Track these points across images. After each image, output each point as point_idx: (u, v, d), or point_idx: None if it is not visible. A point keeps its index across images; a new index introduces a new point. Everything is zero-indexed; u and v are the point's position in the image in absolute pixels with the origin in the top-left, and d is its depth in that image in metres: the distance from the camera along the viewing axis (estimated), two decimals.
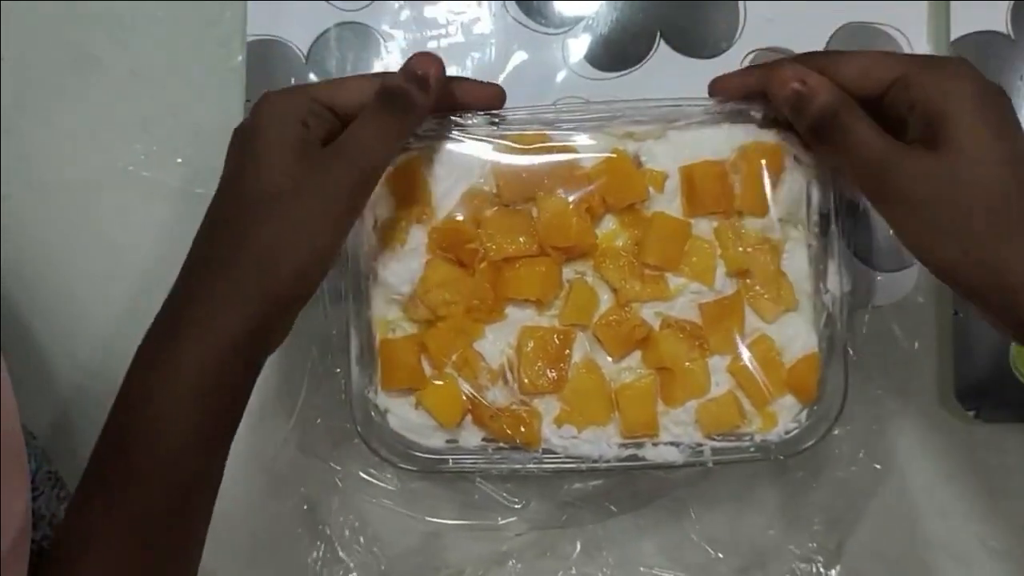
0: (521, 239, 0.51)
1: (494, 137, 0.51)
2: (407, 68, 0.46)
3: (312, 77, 0.59)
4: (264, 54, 0.60)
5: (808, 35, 0.58)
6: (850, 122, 0.44)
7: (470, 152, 0.51)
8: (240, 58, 0.60)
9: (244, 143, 0.46)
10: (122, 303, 0.61)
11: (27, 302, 0.61)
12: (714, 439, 0.52)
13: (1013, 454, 0.58)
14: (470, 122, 0.51)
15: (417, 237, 0.51)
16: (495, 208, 0.51)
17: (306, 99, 0.46)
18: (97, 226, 0.61)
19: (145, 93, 0.61)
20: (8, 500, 0.47)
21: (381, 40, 0.60)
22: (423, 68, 0.46)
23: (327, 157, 0.45)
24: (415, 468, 0.52)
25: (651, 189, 0.51)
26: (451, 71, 0.58)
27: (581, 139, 0.51)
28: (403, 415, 0.52)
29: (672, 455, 0.51)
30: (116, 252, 0.61)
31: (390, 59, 0.60)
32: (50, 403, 0.61)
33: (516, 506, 0.59)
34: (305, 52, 0.60)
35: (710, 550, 0.59)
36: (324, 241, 0.46)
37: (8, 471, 0.47)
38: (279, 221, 0.45)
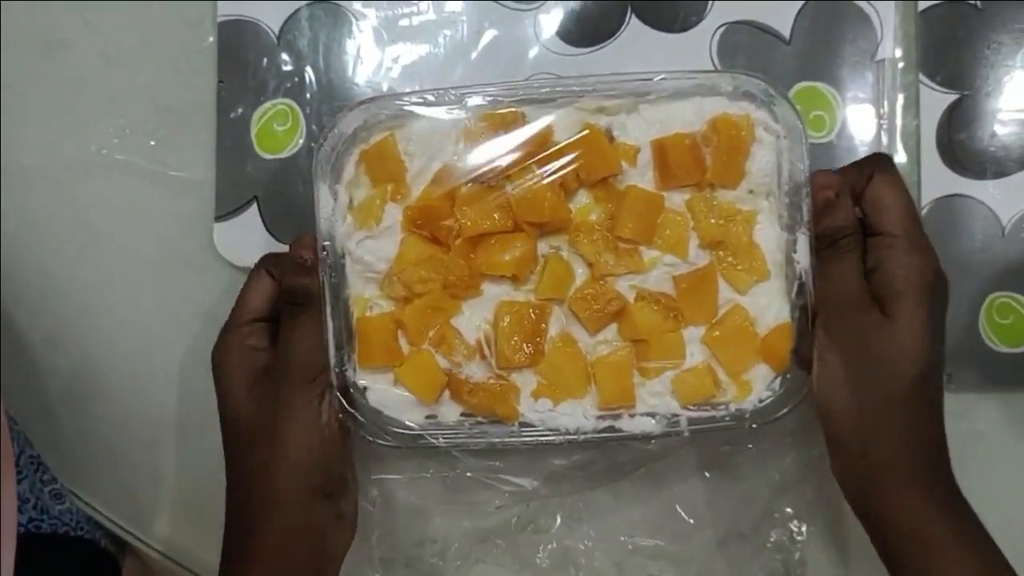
0: (496, 215, 0.51)
1: (467, 115, 0.51)
2: (292, 263, 0.51)
3: (284, 57, 0.60)
4: (235, 34, 0.60)
5: (777, 10, 0.58)
6: (846, 252, 0.49)
7: (443, 130, 0.52)
8: (211, 39, 0.60)
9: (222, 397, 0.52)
10: (98, 285, 0.61)
11: (4, 285, 0.61)
12: (690, 409, 0.52)
13: (982, 421, 0.59)
14: (444, 99, 0.51)
15: (392, 215, 0.52)
16: (469, 185, 0.51)
17: (238, 335, 0.52)
18: (72, 209, 0.61)
19: (117, 76, 0.61)
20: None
21: (353, 19, 0.60)
22: (305, 254, 0.51)
23: (277, 379, 0.51)
24: (394, 444, 0.52)
25: (624, 163, 0.52)
26: (422, 50, 0.58)
27: (553, 114, 0.52)
28: (381, 392, 0.52)
29: (648, 426, 0.52)
30: (91, 234, 0.61)
31: (362, 38, 0.60)
32: (28, 387, 0.61)
33: (495, 483, 0.60)
34: (276, 32, 0.60)
35: (689, 519, 0.59)
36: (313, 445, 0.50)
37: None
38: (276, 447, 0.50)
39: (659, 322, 0.52)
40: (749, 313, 0.52)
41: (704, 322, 0.52)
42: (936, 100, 0.58)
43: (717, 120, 0.51)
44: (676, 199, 0.52)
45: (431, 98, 0.51)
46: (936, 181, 0.58)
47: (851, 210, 0.49)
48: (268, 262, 0.53)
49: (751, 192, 0.52)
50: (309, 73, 0.59)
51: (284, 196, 0.59)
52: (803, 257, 0.51)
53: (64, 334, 0.61)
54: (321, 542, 0.51)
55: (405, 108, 0.51)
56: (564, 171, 0.51)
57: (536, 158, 0.51)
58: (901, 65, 0.59)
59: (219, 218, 0.59)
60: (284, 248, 0.58)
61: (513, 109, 0.51)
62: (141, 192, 0.61)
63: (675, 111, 0.52)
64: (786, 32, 0.58)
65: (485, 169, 0.51)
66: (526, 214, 0.51)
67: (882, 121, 0.58)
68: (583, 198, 0.52)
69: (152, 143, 0.61)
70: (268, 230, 0.59)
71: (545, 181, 0.51)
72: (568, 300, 0.52)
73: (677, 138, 0.51)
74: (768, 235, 0.52)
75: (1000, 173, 0.58)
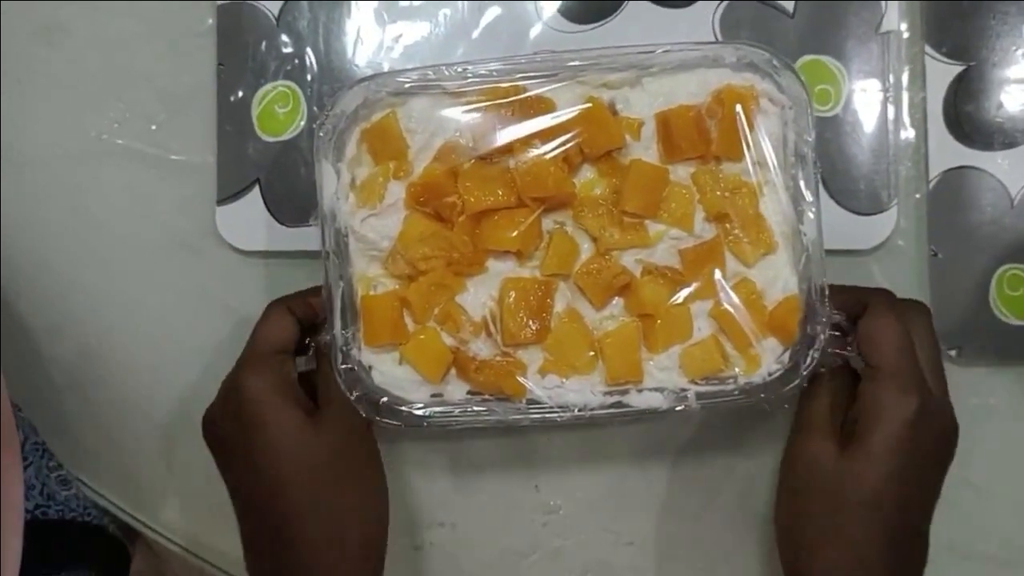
0: (499, 191, 0.51)
1: (469, 91, 0.51)
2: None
3: (284, 39, 0.59)
4: (234, 17, 0.59)
5: None
6: (813, 388, 0.51)
7: (445, 106, 0.51)
8: (211, 21, 0.60)
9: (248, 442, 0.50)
10: (101, 271, 0.61)
11: (4, 273, 0.61)
12: (698, 383, 0.52)
13: (993, 395, 0.59)
14: (445, 75, 0.50)
15: (395, 193, 0.51)
16: (472, 161, 0.51)
17: (271, 362, 0.50)
18: (72, 195, 0.61)
19: (116, 61, 0.61)
20: (3, 476, 0.47)
21: (353, 1, 0.59)
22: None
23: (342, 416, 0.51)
24: (401, 424, 0.52)
25: (628, 137, 0.51)
26: (423, 29, 0.58)
27: (556, 89, 0.51)
28: (387, 371, 0.52)
29: (656, 401, 0.51)
30: (92, 220, 0.61)
31: (362, 18, 0.59)
32: (32, 373, 0.61)
33: (501, 461, 0.60)
34: (276, 14, 0.59)
35: (699, 497, 0.60)
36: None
37: (3, 448, 0.47)
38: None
39: (665, 296, 0.51)
40: (757, 286, 0.51)
41: (711, 296, 0.51)
42: (942, 71, 0.58)
43: (721, 92, 0.51)
44: (681, 172, 0.52)
45: (432, 75, 0.51)
46: (944, 153, 0.58)
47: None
48: (289, 302, 0.52)
49: (757, 164, 0.51)
50: (309, 55, 0.59)
51: (286, 178, 0.59)
52: (810, 229, 0.50)
53: (67, 320, 0.61)
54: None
55: (406, 85, 0.51)
56: (568, 145, 0.50)
57: (539, 132, 0.50)
58: (906, 37, 0.59)
59: (221, 201, 0.59)
60: (286, 229, 0.57)
61: (515, 84, 0.51)
62: (142, 176, 0.60)
63: (679, 83, 0.51)
64: (790, 5, 0.58)
65: (488, 145, 0.51)
66: (530, 189, 0.50)
67: (888, 94, 0.58)
68: (587, 173, 0.52)
69: (152, 127, 0.61)
70: (270, 212, 0.59)
71: (548, 156, 0.50)
72: (573, 276, 0.52)
73: (681, 110, 0.51)
74: (774, 207, 0.51)
75: (1008, 144, 0.58)
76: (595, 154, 0.51)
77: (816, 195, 0.50)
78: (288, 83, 0.59)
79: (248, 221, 0.59)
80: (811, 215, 0.50)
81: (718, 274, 0.51)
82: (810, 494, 0.49)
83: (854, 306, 0.50)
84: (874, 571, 0.48)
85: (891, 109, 0.58)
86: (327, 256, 0.51)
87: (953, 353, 0.57)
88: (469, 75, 0.51)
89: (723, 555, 0.60)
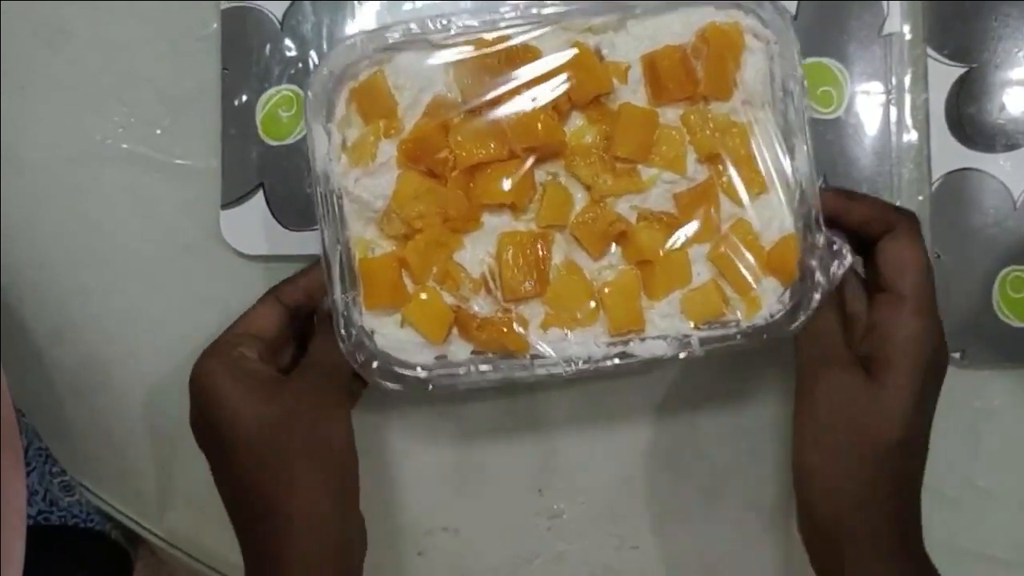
0: (491, 144, 0.50)
1: (454, 43, 0.51)
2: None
3: (288, 43, 0.60)
4: (238, 21, 0.60)
5: None
6: (825, 308, 0.49)
7: (432, 61, 0.51)
8: (215, 26, 0.60)
9: (213, 429, 0.49)
10: (104, 275, 0.61)
11: (6, 278, 0.61)
12: (700, 328, 0.51)
13: (997, 397, 0.58)
14: (429, 28, 0.51)
15: (387, 151, 0.51)
16: (462, 115, 0.51)
17: (225, 343, 0.50)
18: (76, 199, 0.61)
19: (120, 65, 0.61)
20: (6, 479, 0.47)
21: (356, 3, 0.60)
22: None
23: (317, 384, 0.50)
24: (405, 387, 0.51)
25: (615, 81, 0.51)
26: None
27: (541, 37, 0.51)
28: (389, 334, 0.51)
29: (660, 348, 0.51)
30: (96, 224, 0.61)
31: (365, 21, 0.60)
32: (35, 379, 0.61)
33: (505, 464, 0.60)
34: (279, 18, 0.60)
35: (704, 501, 0.60)
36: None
37: (5, 452, 0.47)
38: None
39: (662, 241, 0.51)
40: (753, 226, 0.51)
41: (708, 239, 0.51)
42: (944, 74, 0.58)
43: (706, 30, 0.51)
44: (670, 115, 0.51)
45: (415, 28, 0.51)
46: (946, 155, 0.58)
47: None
48: (279, 291, 0.52)
49: (745, 102, 0.51)
50: (313, 58, 0.59)
51: (290, 183, 0.59)
52: (802, 164, 0.50)
53: (70, 325, 0.61)
54: (352, 554, 0.50)
55: (391, 40, 0.51)
56: (556, 92, 0.50)
57: (527, 83, 0.50)
58: (908, 39, 0.59)
59: (225, 206, 0.59)
60: (289, 233, 0.57)
61: (500, 33, 0.51)
62: (146, 181, 0.60)
63: (663, 25, 0.51)
64: (792, 7, 0.58)
65: (476, 97, 0.51)
66: (520, 139, 0.50)
67: (890, 96, 0.58)
68: (576, 121, 0.52)
69: (157, 132, 0.61)
70: (275, 217, 0.59)
71: (538, 104, 0.50)
72: (569, 226, 0.51)
73: (667, 51, 0.51)
74: (766, 145, 0.51)
75: (1011, 146, 0.58)
76: (584, 100, 0.51)
77: (806, 129, 0.50)
78: (292, 87, 0.59)
79: (252, 225, 0.59)
80: (803, 149, 0.50)
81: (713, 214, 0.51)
82: (840, 430, 0.47)
83: (876, 223, 0.49)
84: (909, 516, 0.47)
85: (893, 111, 0.58)
86: (322, 221, 0.50)
87: (957, 355, 0.57)
88: (453, 27, 0.51)
89: (728, 559, 0.60)
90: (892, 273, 0.48)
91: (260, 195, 0.59)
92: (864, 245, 0.50)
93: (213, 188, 0.59)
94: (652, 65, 0.51)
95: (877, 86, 0.58)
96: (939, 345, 0.47)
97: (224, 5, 0.60)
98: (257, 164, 0.59)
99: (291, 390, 0.49)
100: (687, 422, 0.59)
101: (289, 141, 0.59)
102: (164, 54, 0.61)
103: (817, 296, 0.49)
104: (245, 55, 0.60)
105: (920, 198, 0.58)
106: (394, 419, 0.59)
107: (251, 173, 0.59)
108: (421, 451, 0.60)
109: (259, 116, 0.59)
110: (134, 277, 0.61)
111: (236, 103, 0.59)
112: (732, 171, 0.51)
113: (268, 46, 0.59)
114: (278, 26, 0.60)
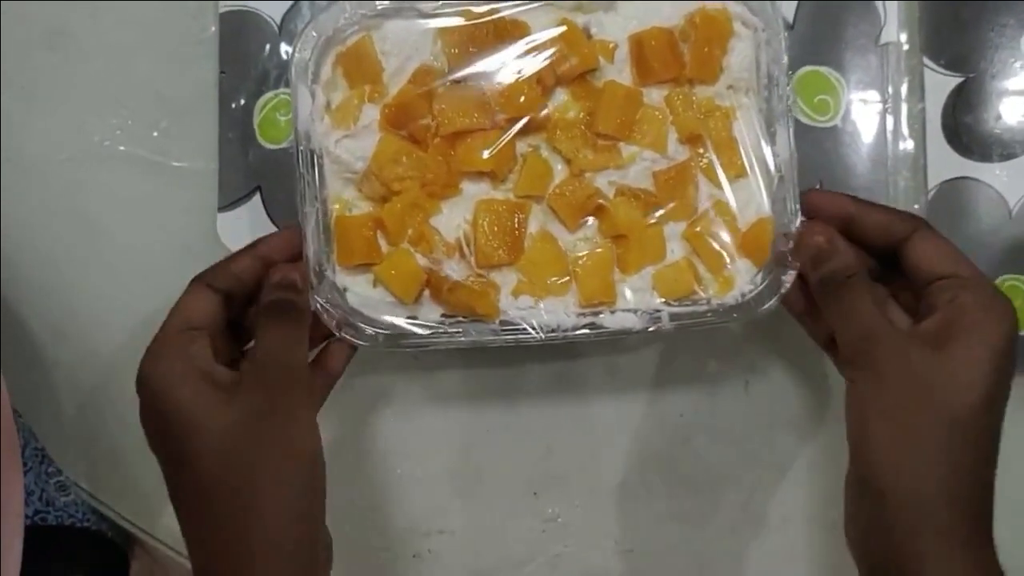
0: (474, 113, 0.51)
1: (444, 13, 0.52)
2: (281, 284, 0.48)
3: (284, 47, 0.59)
4: (237, 24, 0.60)
5: None
6: (860, 287, 0.47)
7: (420, 29, 0.52)
8: (213, 29, 0.61)
9: (163, 423, 0.46)
10: (102, 277, 0.61)
11: (5, 279, 0.61)
12: (671, 304, 0.51)
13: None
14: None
15: (370, 115, 0.52)
16: (447, 83, 0.51)
17: (176, 340, 0.47)
18: (75, 200, 0.61)
19: (119, 67, 0.62)
20: (4, 480, 0.47)
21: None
22: (295, 278, 0.49)
23: (274, 384, 0.46)
24: (375, 345, 0.51)
25: (601, 59, 0.52)
26: None
27: (530, 12, 0.52)
28: (361, 291, 0.52)
29: (630, 321, 0.51)
30: (94, 226, 0.61)
31: None
32: (32, 379, 0.61)
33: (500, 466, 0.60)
34: (278, 21, 0.60)
35: (700, 504, 0.60)
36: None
37: (4, 453, 0.47)
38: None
39: (639, 217, 0.51)
40: (731, 208, 0.51)
41: (685, 218, 0.52)
42: (941, 83, 0.58)
43: (695, 14, 0.51)
44: (655, 96, 0.52)
45: None
46: (942, 164, 0.58)
47: (850, 250, 0.48)
48: (208, 277, 0.50)
49: (730, 88, 0.52)
50: None
51: (287, 186, 0.58)
52: (783, 150, 0.51)
53: (67, 326, 0.61)
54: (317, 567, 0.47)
55: (380, 7, 0.51)
56: (542, 65, 0.51)
57: (513, 56, 0.51)
58: (905, 48, 0.59)
59: (222, 208, 0.59)
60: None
61: (490, 7, 0.51)
62: (144, 183, 0.61)
63: (652, 7, 0.52)
64: (789, 16, 0.58)
65: (462, 67, 0.51)
66: (503, 109, 0.51)
67: (887, 105, 0.59)
68: (561, 96, 0.52)
69: (155, 134, 0.61)
70: (271, 220, 0.59)
71: (523, 77, 0.51)
72: (547, 197, 0.52)
73: (655, 32, 0.51)
74: (747, 130, 0.52)
75: (1006, 155, 0.58)
76: (569, 76, 0.51)
77: (788, 117, 0.51)
78: (289, 91, 0.59)
79: (249, 228, 0.59)
80: (784, 136, 0.51)
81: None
82: (913, 404, 0.44)
83: (898, 225, 0.48)
84: (983, 489, 0.46)
85: (890, 120, 0.58)
86: (301, 178, 0.51)
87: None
88: None
89: (724, 562, 0.60)
90: (943, 262, 0.47)
91: (257, 198, 0.59)
92: (876, 249, 0.49)
93: (211, 191, 0.59)
94: (639, 45, 0.51)
95: (874, 95, 0.58)
96: (1014, 325, 0.45)
97: (223, 8, 0.60)
98: (254, 167, 0.59)
99: (245, 398, 0.45)
100: (682, 427, 0.60)
101: (286, 144, 0.59)
102: (163, 57, 0.61)
103: (787, 279, 0.50)
104: (243, 58, 0.60)
105: (916, 207, 0.59)
106: (391, 422, 0.60)
107: (248, 176, 0.58)
108: (418, 454, 0.60)
109: (256, 119, 0.59)
110: (132, 277, 0.61)
111: (234, 106, 0.59)
112: (712, 154, 0.52)
113: (266, 49, 0.59)
114: (276, 29, 0.60)
